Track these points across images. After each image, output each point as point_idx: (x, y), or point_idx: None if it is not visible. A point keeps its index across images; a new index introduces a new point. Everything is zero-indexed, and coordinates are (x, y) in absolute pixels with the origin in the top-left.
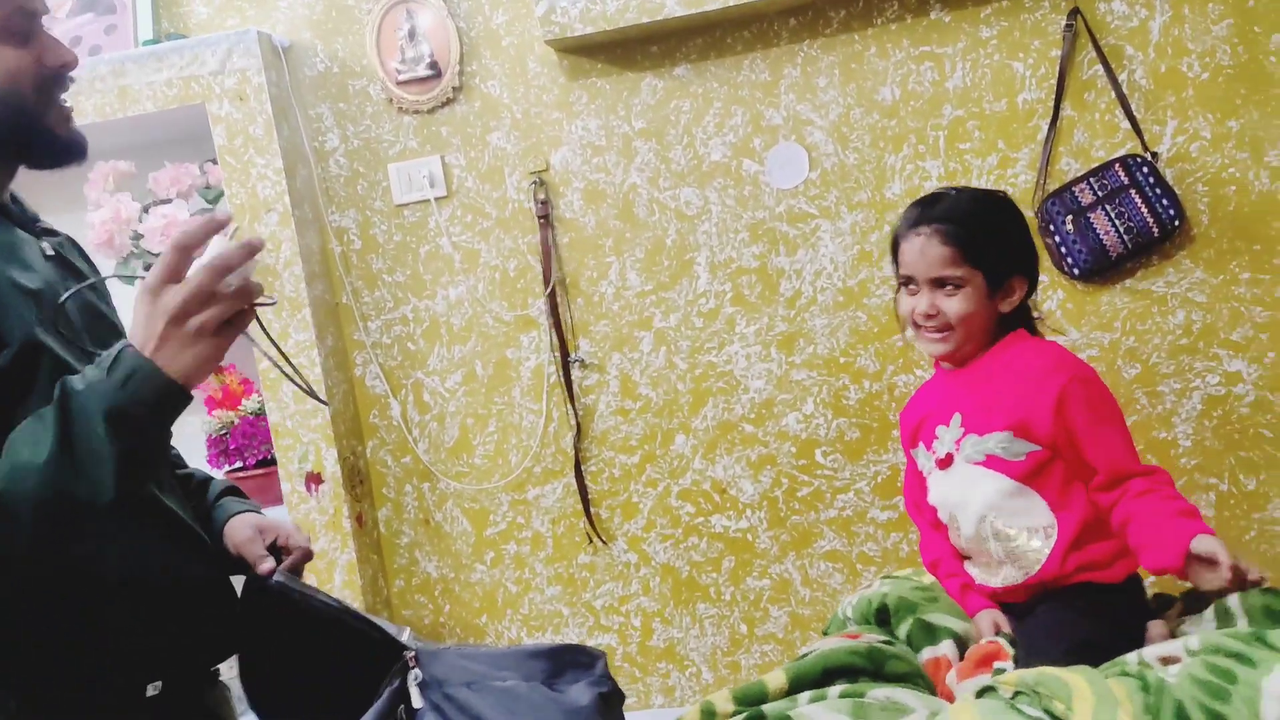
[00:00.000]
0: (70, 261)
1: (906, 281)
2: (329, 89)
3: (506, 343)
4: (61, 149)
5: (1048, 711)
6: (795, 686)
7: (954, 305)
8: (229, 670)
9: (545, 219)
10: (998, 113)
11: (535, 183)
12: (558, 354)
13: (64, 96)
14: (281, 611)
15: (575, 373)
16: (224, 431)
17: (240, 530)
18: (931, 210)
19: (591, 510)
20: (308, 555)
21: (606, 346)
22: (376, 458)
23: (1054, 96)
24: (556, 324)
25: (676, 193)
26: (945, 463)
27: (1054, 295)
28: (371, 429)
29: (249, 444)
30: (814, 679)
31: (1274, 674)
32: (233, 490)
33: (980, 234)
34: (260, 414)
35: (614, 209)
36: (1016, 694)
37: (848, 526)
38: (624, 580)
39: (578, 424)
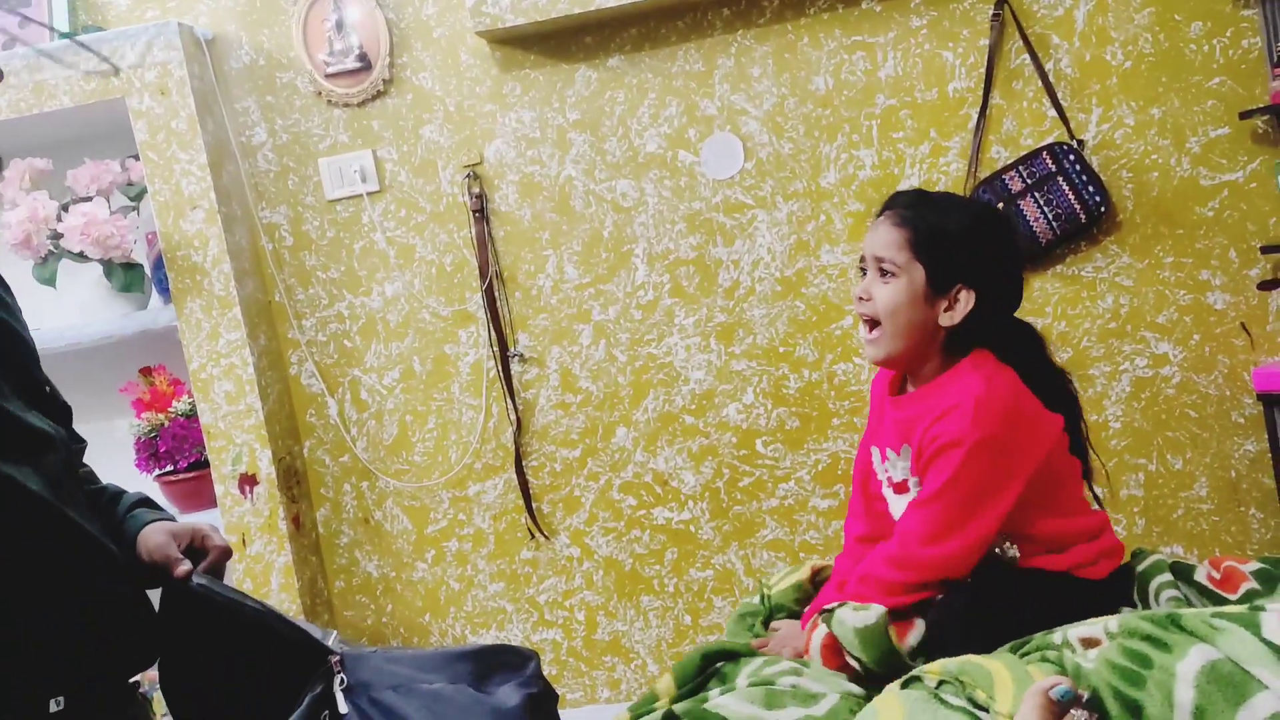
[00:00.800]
0: None
1: (862, 270)
2: (255, 82)
3: (444, 338)
4: None
5: (971, 700)
6: (682, 682)
7: (884, 293)
8: (151, 683)
9: (480, 213)
10: (929, 102)
11: (469, 176)
12: (496, 349)
13: None
14: (202, 615)
15: (515, 367)
16: (153, 434)
17: (153, 536)
18: (901, 197)
19: (533, 505)
20: (226, 553)
21: (545, 340)
22: (314, 457)
23: (983, 85)
24: (494, 318)
25: (613, 184)
26: (901, 488)
27: None
28: (308, 428)
29: (180, 447)
30: (697, 669)
31: (1187, 658)
32: (146, 502)
33: (936, 227)
34: (191, 415)
35: (550, 202)
36: (941, 683)
37: (789, 515)
38: (567, 575)
39: (518, 419)
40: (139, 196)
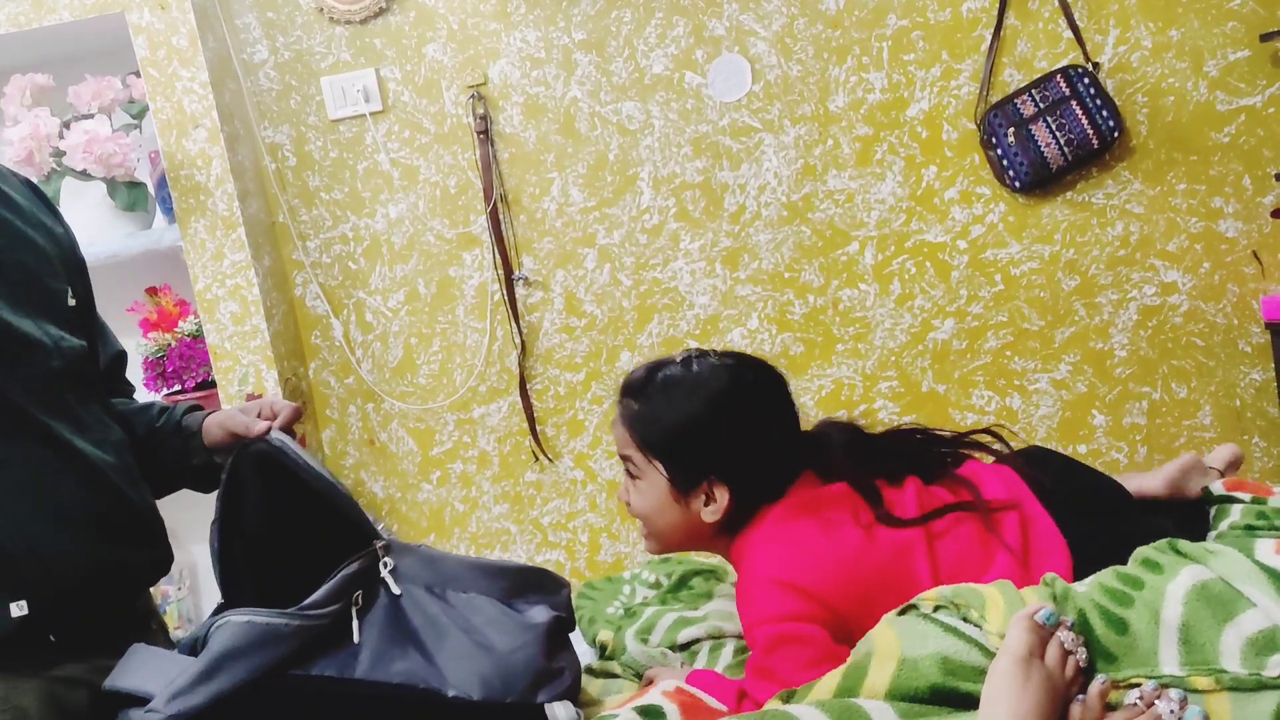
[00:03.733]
0: None
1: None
2: None
3: (449, 261)
4: None
5: (965, 619)
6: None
7: (635, 499)
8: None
9: (485, 134)
10: (942, 23)
11: (474, 97)
12: (501, 272)
13: None
14: (272, 473)
15: (519, 290)
16: (160, 354)
17: (222, 414)
18: (634, 384)
19: (537, 428)
20: (298, 412)
21: (550, 264)
22: (319, 379)
23: (998, 6)
24: (499, 241)
25: (618, 107)
26: None
27: (995, 208)
28: (313, 350)
29: (187, 366)
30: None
31: (1178, 578)
32: (198, 408)
33: (664, 424)
34: (198, 336)
35: (555, 124)
36: (936, 608)
37: None
38: (571, 497)
39: (522, 342)
40: (141, 114)
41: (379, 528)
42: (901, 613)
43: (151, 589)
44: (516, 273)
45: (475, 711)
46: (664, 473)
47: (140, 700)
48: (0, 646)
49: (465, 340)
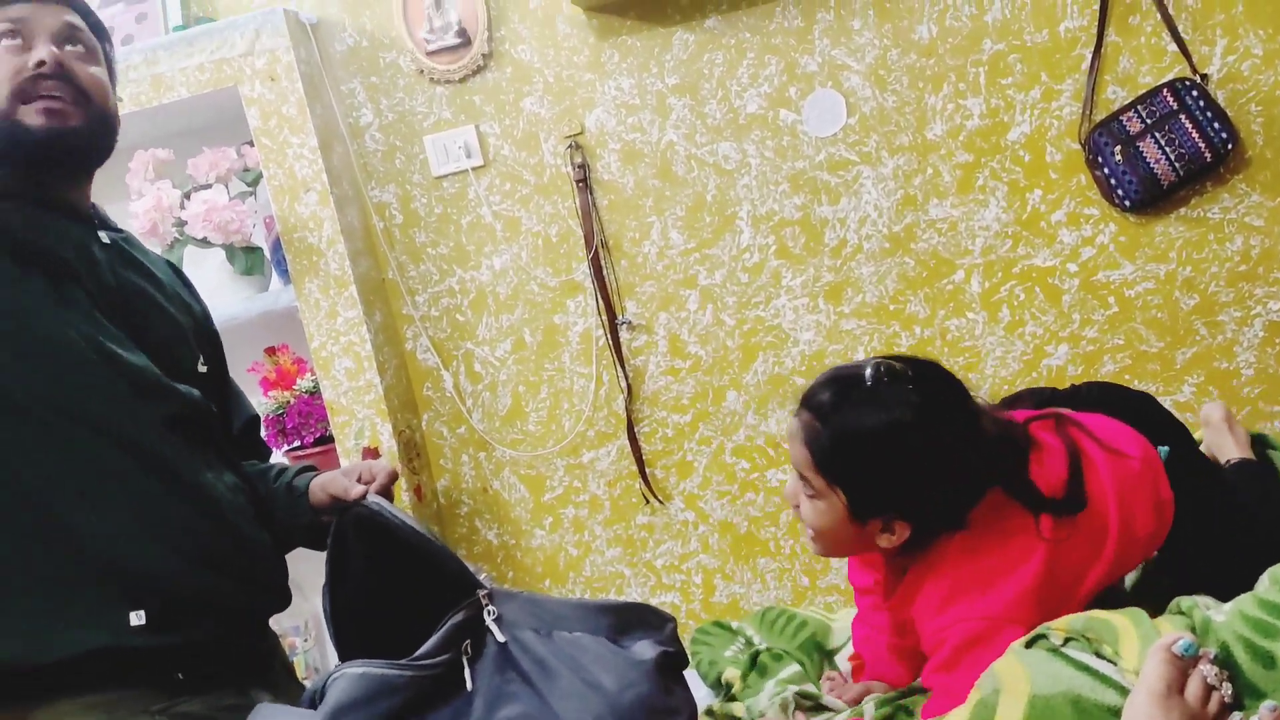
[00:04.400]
0: (124, 249)
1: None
2: (359, 63)
3: (553, 309)
4: (43, 144)
5: (1098, 655)
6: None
7: (808, 511)
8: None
9: (583, 182)
10: (1039, 44)
11: (571, 146)
12: (604, 317)
13: (47, 91)
14: (371, 534)
15: (623, 335)
16: (280, 412)
17: (325, 477)
18: (820, 396)
19: (646, 471)
20: (393, 475)
21: (653, 307)
22: (432, 429)
23: (1097, 23)
24: (602, 287)
25: (714, 148)
26: None
27: (1105, 229)
28: (425, 401)
29: (306, 422)
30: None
31: None
32: (311, 469)
33: (843, 454)
34: (315, 392)
35: (652, 168)
36: (1067, 640)
37: None
38: (683, 539)
39: (628, 385)
40: (255, 181)
41: (481, 576)
42: (1029, 644)
43: (280, 637)
44: (620, 317)
45: None
46: (843, 500)
47: None
48: (125, 663)
49: (572, 386)
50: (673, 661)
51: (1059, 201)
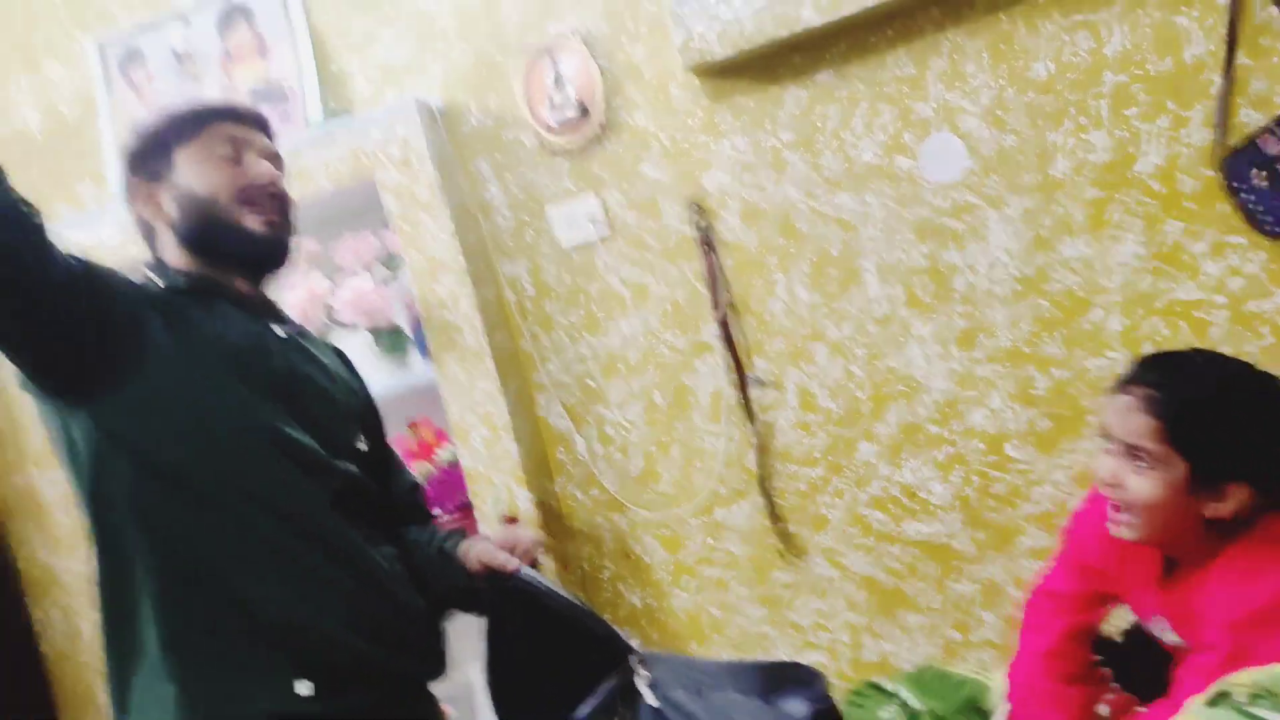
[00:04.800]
0: (298, 341)
1: (1107, 436)
2: (485, 143)
3: (683, 369)
4: (258, 244)
5: None
6: None
7: (1138, 485)
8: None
9: (707, 244)
10: (1164, 72)
11: (692, 209)
12: (734, 375)
13: (266, 204)
14: (524, 605)
15: (753, 392)
16: (423, 482)
17: (478, 546)
18: (1152, 372)
19: (781, 526)
20: (539, 544)
21: (782, 363)
22: (567, 493)
23: (1225, 47)
24: (730, 346)
25: (834, 200)
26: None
27: (1255, 257)
28: (559, 466)
29: (447, 492)
30: None
31: None
32: (461, 533)
33: (1198, 417)
34: (455, 463)
35: (774, 225)
36: (1253, 698)
37: (1049, 521)
38: (825, 595)
39: (759, 442)
40: (395, 265)
41: (631, 642)
42: (1212, 702)
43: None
44: (749, 375)
45: None
46: (1184, 467)
47: None
48: None
49: (704, 445)
50: (825, 718)
51: (1199, 232)
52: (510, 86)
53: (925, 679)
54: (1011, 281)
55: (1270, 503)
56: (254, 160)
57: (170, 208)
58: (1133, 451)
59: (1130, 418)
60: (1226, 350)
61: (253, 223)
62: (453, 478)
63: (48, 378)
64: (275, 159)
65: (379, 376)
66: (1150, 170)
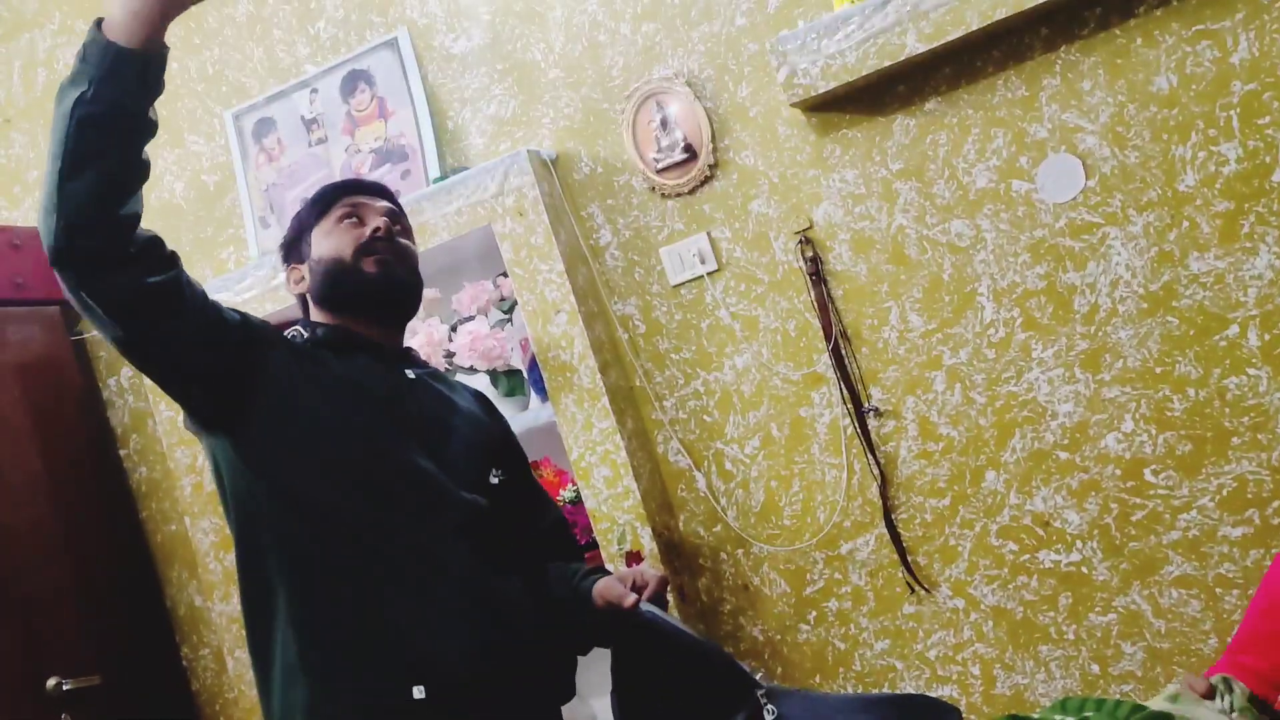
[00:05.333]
0: (428, 382)
1: None
2: (596, 189)
3: (798, 402)
4: (374, 284)
5: None
6: None
7: None
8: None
9: (817, 275)
10: None
11: (801, 241)
12: (850, 406)
13: (380, 249)
14: (649, 640)
15: (871, 422)
16: None
17: (604, 582)
18: None
19: (909, 558)
20: (664, 582)
21: (899, 392)
22: (689, 529)
23: None
24: (845, 377)
25: (946, 227)
26: None
27: None
28: (681, 502)
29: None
30: None
31: None
32: (599, 569)
33: None
34: (577, 501)
35: (884, 254)
36: None
37: (1196, 548)
38: (954, 628)
39: (881, 473)
40: (511, 309)
41: (757, 676)
42: None
43: None
44: (866, 405)
45: None
46: None
47: None
48: None
49: (824, 478)
50: None
51: None
52: (618, 132)
53: (1071, 705)
54: (1136, 300)
55: None
56: (373, 218)
57: (310, 278)
58: None
59: None
60: None
61: (369, 266)
62: (576, 517)
63: (200, 406)
64: (394, 215)
65: None
66: None
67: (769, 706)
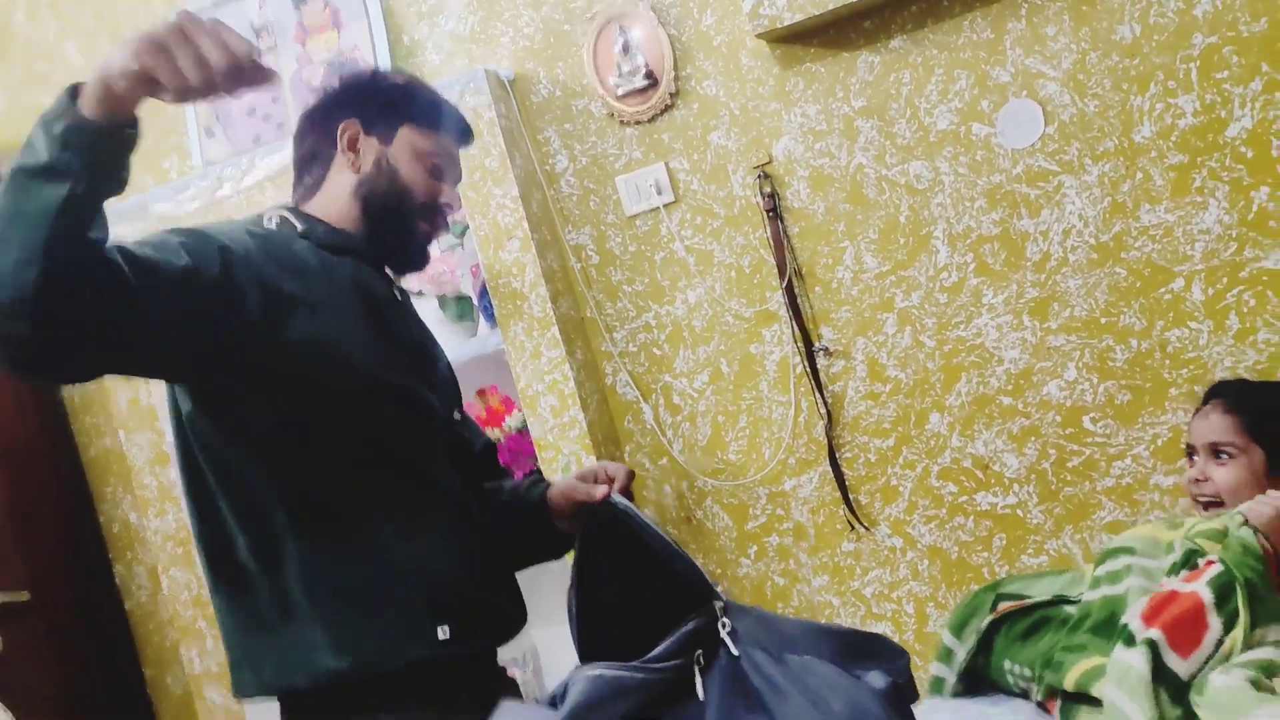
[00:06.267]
0: (411, 304)
1: (1190, 453)
2: (554, 113)
3: (749, 339)
4: (415, 248)
5: None
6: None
7: (1224, 475)
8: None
9: (773, 211)
10: (1258, 33)
11: (760, 176)
12: (801, 344)
13: (438, 222)
14: (616, 534)
15: (820, 361)
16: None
17: (564, 483)
18: (1226, 386)
19: (850, 497)
20: (631, 475)
21: (850, 332)
22: (634, 461)
23: None
24: (796, 315)
25: (905, 168)
26: None
27: None
28: (627, 434)
29: (516, 459)
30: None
31: None
32: (543, 480)
33: (1266, 410)
34: (523, 430)
35: (842, 193)
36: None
37: (1129, 495)
38: (891, 566)
39: (828, 412)
40: (462, 234)
41: (717, 588)
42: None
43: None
44: (817, 344)
45: None
46: (1263, 452)
47: None
48: (432, 677)
49: (771, 414)
50: (904, 694)
51: None
52: (579, 55)
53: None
54: (1087, 249)
55: None
56: (451, 186)
57: (367, 162)
58: (1215, 448)
59: (1209, 420)
60: None
61: (423, 226)
62: (522, 445)
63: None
64: (458, 179)
65: (446, 344)
66: (1240, 135)
67: (724, 620)
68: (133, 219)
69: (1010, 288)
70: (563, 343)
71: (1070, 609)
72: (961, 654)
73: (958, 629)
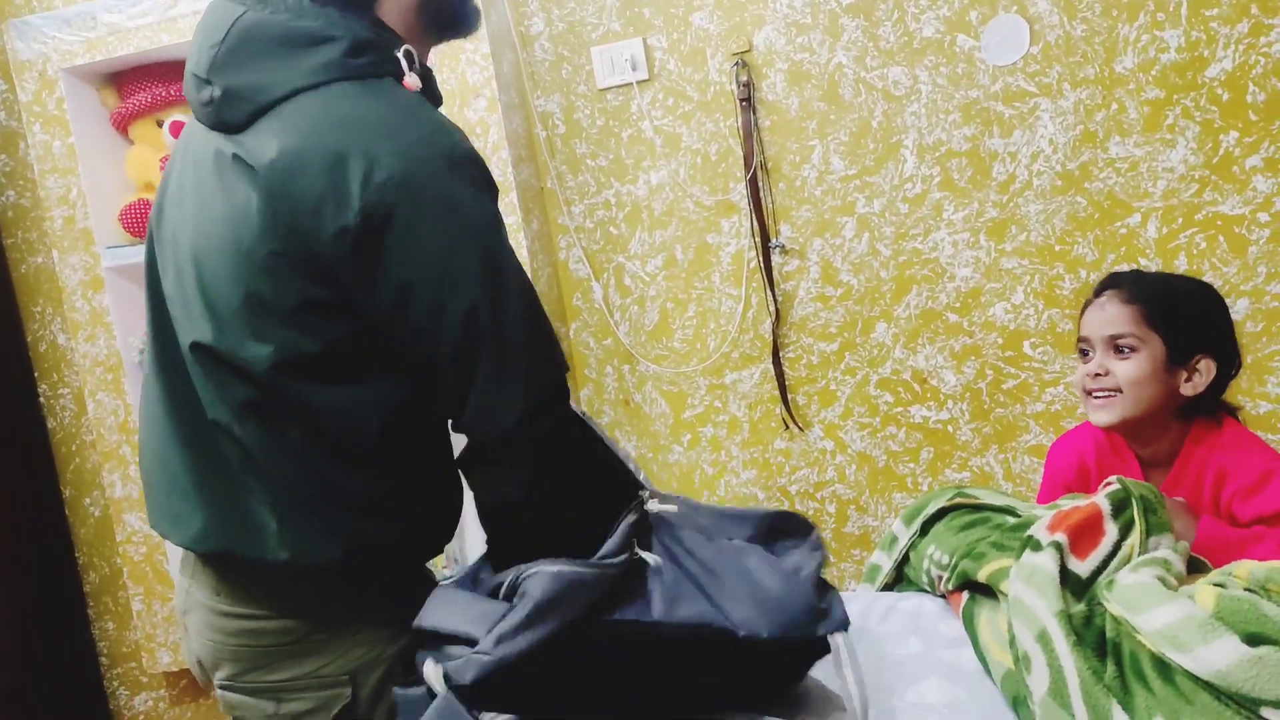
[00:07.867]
0: None
1: (1084, 351)
2: None
3: (707, 228)
4: (473, 14)
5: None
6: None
7: (1125, 368)
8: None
9: (747, 101)
10: None
11: (738, 64)
12: (758, 239)
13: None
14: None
15: (775, 258)
16: None
17: None
18: (1122, 277)
19: (789, 396)
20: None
21: (808, 232)
22: (579, 339)
23: None
24: (757, 209)
25: (884, 72)
26: None
27: None
28: (574, 311)
29: None
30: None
31: None
32: None
33: (1165, 300)
34: None
35: (818, 90)
36: (1246, 589)
37: (1056, 421)
38: (819, 467)
39: (777, 310)
40: None
41: (641, 477)
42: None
43: None
44: (773, 240)
45: (764, 648)
46: (1162, 346)
47: (449, 638)
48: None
49: (720, 306)
50: (821, 566)
51: (1256, 145)
52: None
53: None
54: (1052, 175)
55: (1226, 380)
56: None
57: None
58: (1114, 341)
59: (1107, 310)
60: (1262, 271)
61: None
62: None
63: None
64: None
65: None
66: (1220, 76)
67: (656, 508)
68: (81, 27)
69: (972, 205)
70: (520, 210)
71: (1014, 520)
72: (904, 540)
73: (909, 518)
